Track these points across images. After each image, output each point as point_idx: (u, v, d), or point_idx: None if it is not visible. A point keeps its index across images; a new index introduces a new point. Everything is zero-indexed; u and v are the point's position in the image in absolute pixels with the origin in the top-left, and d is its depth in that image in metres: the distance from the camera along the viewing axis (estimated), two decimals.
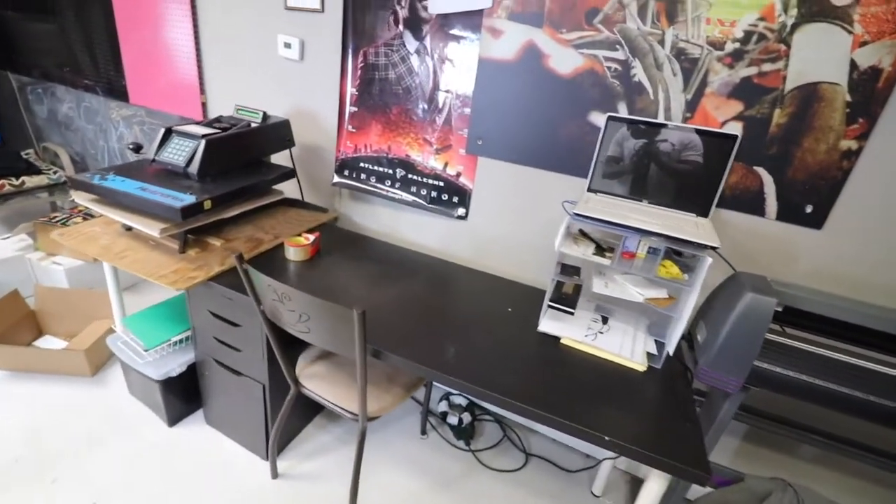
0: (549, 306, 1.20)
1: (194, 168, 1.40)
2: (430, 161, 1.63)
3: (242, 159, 1.59)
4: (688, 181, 1.23)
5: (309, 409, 1.79)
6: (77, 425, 1.68)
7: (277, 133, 1.70)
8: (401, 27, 1.51)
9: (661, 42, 1.19)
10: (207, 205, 1.34)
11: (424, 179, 1.67)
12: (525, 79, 1.37)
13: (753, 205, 1.23)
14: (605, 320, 1.31)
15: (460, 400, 1.89)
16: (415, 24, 1.49)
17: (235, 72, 1.98)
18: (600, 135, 1.27)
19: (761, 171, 1.20)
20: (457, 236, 1.70)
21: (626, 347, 1.20)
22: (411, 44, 1.52)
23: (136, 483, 1.50)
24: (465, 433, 1.77)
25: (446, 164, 1.61)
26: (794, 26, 1.08)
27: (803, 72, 1.10)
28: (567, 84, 1.32)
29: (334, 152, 1.83)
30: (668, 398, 1.09)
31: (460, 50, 1.46)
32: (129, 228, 1.51)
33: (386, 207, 1.82)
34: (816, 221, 1.19)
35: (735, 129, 1.18)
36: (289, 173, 1.71)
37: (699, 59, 1.17)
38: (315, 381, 1.37)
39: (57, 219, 2.23)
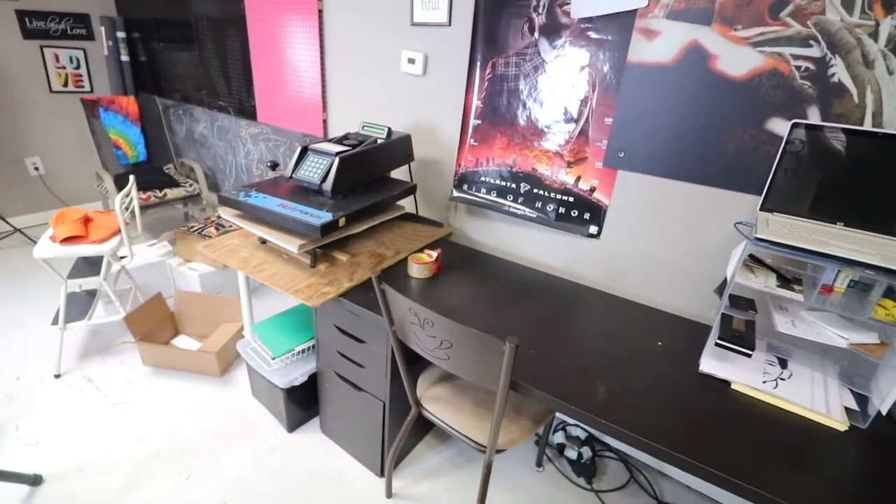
0: (718, 345, 1.04)
1: (328, 185, 1.42)
2: (560, 175, 1.52)
3: (369, 175, 1.60)
4: None
5: (420, 428, 1.75)
6: (208, 423, 1.78)
7: (400, 148, 1.69)
8: (536, 35, 1.43)
9: (874, 35, 0.99)
10: (342, 222, 1.35)
11: (552, 194, 1.56)
12: (683, 83, 1.22)
13: None
14: (783, 363, 1.11)
15: (578, 432, 1.75)
16: (552, 30, 1.40)
17: (356, 89, 2.03)
18: (782, 145, 1.09)
19: None
20: (586, 256, 1.57)
21: (819, 399, 0.99)
22: (547, 52, 1.43)
23: (259, 487, 1.54)
24: (586, 470, 1.62)
25: (579, 178, 1.49)
26: None
27: None
28: (739, 87, 1.14)
29: (453, 166, 1.78)
30: (884, 468, 0.88)
31: (603, 55, 1.34)
32: (263, 242, 1.58)
33: (505, 223, 1.74)
34: None
35: None
36: (411, 188, 1.69)
37: None
38: (438, 405, 1.31)
39: (194, 228, 2.44)
